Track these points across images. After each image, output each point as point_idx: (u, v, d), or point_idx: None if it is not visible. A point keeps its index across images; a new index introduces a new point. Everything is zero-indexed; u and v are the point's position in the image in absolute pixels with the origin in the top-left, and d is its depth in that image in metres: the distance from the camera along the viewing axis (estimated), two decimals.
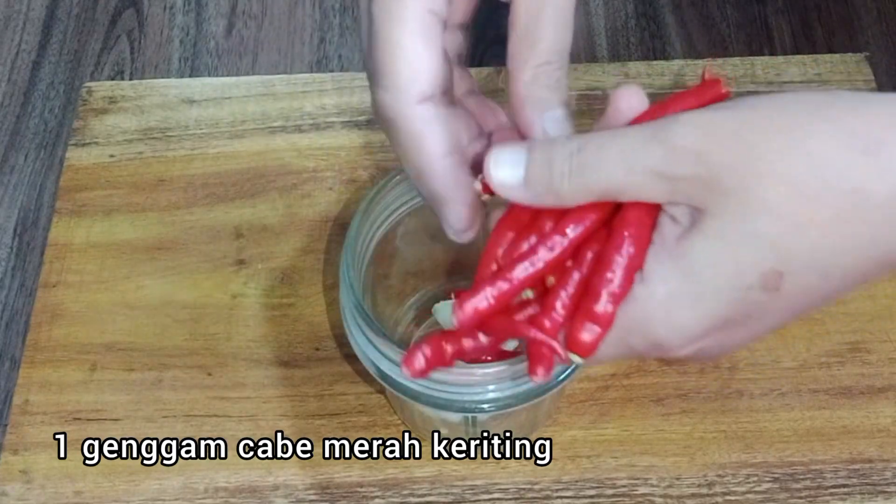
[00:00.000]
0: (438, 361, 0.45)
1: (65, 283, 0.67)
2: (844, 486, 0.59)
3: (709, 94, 0.43)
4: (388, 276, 0.61)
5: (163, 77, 0.79)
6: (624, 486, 0.59)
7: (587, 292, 0.41)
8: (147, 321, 0.66)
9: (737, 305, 0.40)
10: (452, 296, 0.64)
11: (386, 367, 0.52)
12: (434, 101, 0.43)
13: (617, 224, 0.41)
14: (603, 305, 0.41)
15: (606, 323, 0.41)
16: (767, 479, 0.59)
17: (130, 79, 0.80)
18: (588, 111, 0.72)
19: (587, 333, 0.41)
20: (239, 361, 0.64)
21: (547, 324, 0.42)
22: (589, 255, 0.42)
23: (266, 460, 0.60)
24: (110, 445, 0.61)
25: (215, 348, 0.64)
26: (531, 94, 0.44)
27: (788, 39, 0.82)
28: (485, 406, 0.52)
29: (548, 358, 0.42)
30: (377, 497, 0.59)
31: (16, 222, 0.73)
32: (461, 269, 0.64)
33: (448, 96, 0.45)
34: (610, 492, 0.59)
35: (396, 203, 0.57)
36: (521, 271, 0.42)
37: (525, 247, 0.43)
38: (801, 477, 0.59)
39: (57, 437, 0.61)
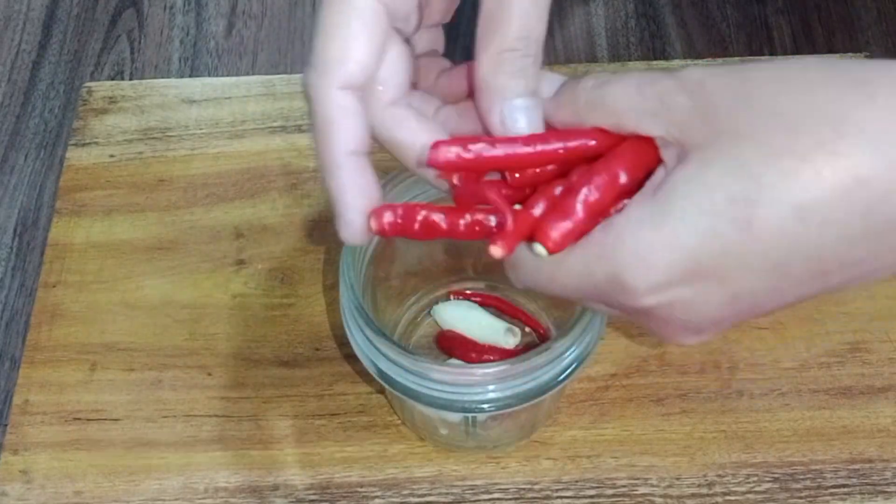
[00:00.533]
0: (407, 223, 0.42)
1: (65, 283, 0.67)
2: (844, 486, 0.59)
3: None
4: (388, 276, 0.61)
5: (163, 77, 0.79)
6: (624, 486, 0.59)
7: (567, 194, 0.40)
8: (147, 321, 0.66)
9: (703, 234, 0.38)
10: (451, 296, 0.65)
11: (386, 366, 0.52)
12: (357, 94, 0.42)
13: (614, 152, 0.41)
14: (580, 206, 0.40)
15: (579, 224, 0.40)
16: (767, 479, 0.59)
17: (130, 79, 0.80)
18: None
19: (557, 230, 0.40)
20: (239, 361, 0.64)
21: (517, 207, 0.41)
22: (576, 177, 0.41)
23: (266, 460, 0.60)
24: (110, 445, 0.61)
25: (215, 348, 0.64)
26: (490, 81, 0.42)
27: (788, 39, 0.82)
28: (485, 406, 0.52)
29: (510, 234, 0.40)
30: (377, 497, 0.59)
31: (16, 222, 0.73)
32: (461, 269, 0.64)
33: (394, 94, 0.44)
34: (610, 492, 0.59)
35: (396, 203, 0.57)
36: (508, 144, 0.41)
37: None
38: (801, 477, 0.59)
39: (57, 437, 0.61)
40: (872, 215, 0.36)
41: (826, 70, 0.38)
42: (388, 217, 0.42)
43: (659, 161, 0.40)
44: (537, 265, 0.41)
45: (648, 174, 0.41)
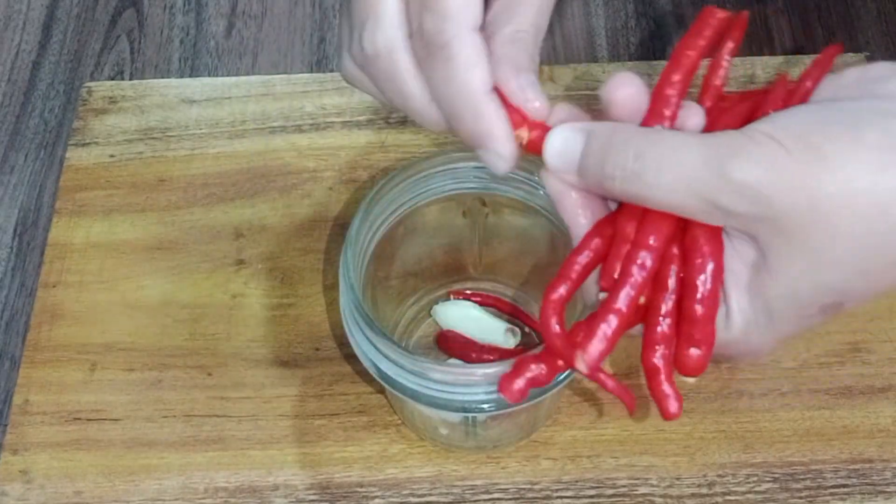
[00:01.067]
0: (536, 383, 0.44)
1: (65, 283, 0.67)
2: (844, 486, 0.59)
3: (709, 31, 0.43)
4: (388, 276, 0.61)
5: (163, 77, 0.79)
6: (624, 486, 0.59)
7: (683, 316, 0.42)
8: (147, 321, 0.66)
9: (798, 326, 0.42)
10: (451, 296, 0.65)
11: (386, 367, 0.52)
12: (478, 33, 0.43)
13: (690, 244, 0.41)
14: (702, 328, 0.41)
15: (709, 344, 0.42)
16: (767, 479, 0.59)
17: (130, 79, 0.80)
18: (587, 111, 0.72)
19: (693, 355, 0.42)
20: (239, 361, 0.64)
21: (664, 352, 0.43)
22: (671, 276, 0.42)
23: (266, 460, 0.60)
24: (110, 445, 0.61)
25: (215, 348, 0.64)
26: (508, 52, 0.44)
27: (788, 39, 0.82)
28: (485, 406, 0.52)
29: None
30: (377, 497, 0.59)
31: (16, 222, 0.73)
32: (461, 269, 0.64)
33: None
34: (610, 492, 0.59)
35: (396, 203, 0.57)
36: (624, 299, 0.41)
37: (616, 267, 0.42)
38: (801, 477, 0.59)
39: (57, 437, 0.61)
40: None
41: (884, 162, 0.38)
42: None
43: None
44: None
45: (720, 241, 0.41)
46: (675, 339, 0.42)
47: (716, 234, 0.40)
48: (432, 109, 0.45)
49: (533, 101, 0.44)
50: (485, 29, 0.44)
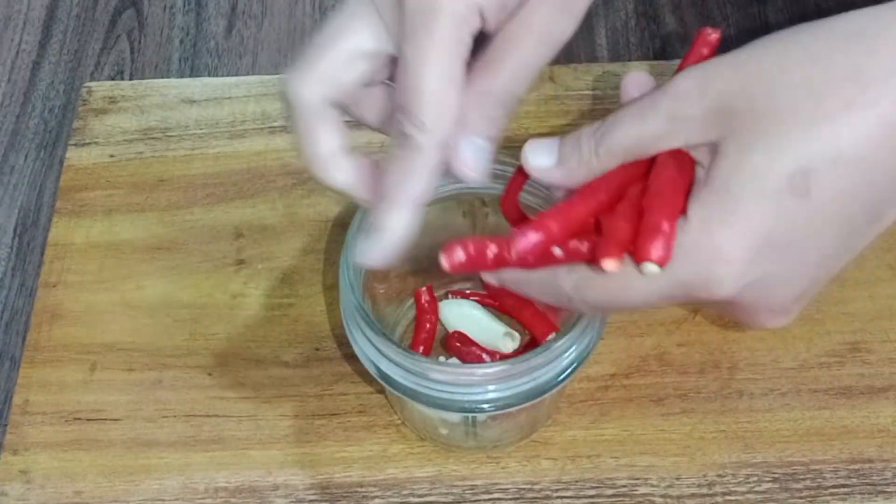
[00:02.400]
0: (479, 261, 0.44)
1: (65, 283, 0.67)
2: (844, 486, 0.59)
3: (706, 49, 0.45)
4: (387, 277, 0.61)
5: (163, 77, 0.79)
6: (624, 486, 0.59)
7: (644, 212, 0.42)
8: (147, 321, 0.66)
9: (771, 216, 0.40)
10: (450, 296, 0.65)
11: (386, 367, 0.52)
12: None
13: (657, 166, 0.43)
14: (665, 217, 0.41)
15: (670, 235, 0.41)
16: (767, 479, 0.59)
17: (130, 79, 0.80)
18: (588, 111, 0.72)
19: (656, 247, 0.41)
20: (239, 361, 0.64)
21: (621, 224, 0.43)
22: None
23: (266, 460, 0.60)
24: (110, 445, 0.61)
25: (215, 348, 0.64)
26: (469, 110, 0.45)
27: None
28: (485, 406, 0.52)
29: (615, 246, 0.42)
30: (377, 497, 0.59)
31: (16, 222, 0.73)
32: None
33: None
34: (610, 492, 0.59)
35: None
36: (567, 209, 0.44)
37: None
38: (801, 477, 0.59)
39: (57, 437, 0.61)
40: None
41: (819, 36, 0.40)
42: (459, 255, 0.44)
43: (693, 161, 0.42)
44: (609, 282, 0.43)
45: (692, 175, 0.42)
46: (637, 231, 0.42)
47: (679, 160, 0.42)
48: (327, 173, 0.47)
49: (463, 166, 0.45)
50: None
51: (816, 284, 0.43)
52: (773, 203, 0.40)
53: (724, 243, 0.40)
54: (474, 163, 0.45)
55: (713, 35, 0.45)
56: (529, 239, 0.43)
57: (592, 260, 0.43)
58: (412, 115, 0.44)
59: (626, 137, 0.43)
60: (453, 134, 0.44)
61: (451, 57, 0.43)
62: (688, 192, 0.42)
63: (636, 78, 0.46)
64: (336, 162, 0.47)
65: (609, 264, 0.41)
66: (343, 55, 0.46)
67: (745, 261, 0.40)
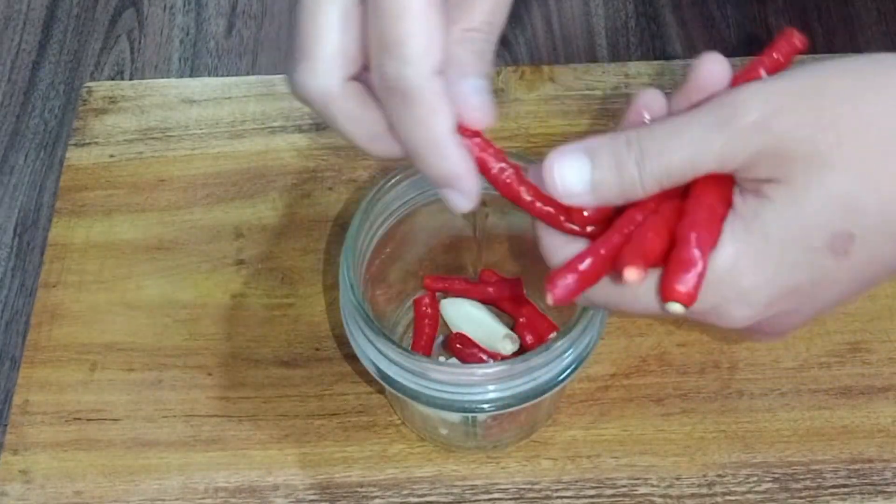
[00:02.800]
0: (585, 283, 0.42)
1: (65, 283, 0.67)
2: (844, 486, 0.59)
3: (783, 54, 0.43)
4: (387, 276, 0.61)
5: (163, 77, 0.79)
6: (624, 486, 0.59)
7: (678, 241, 0.40)
8: (147, 321, 0.66)
9: (803, 270, 0.39)
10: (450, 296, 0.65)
11: (386, 366, 0.52)
12: (441, 75, 0.42)
13: (696, 187, 0.41)
14: (696, 253, 0.39)
15: (701, 273, 0.40)
16: (767, 479, 0.59)
17: (130, 79, 0.80)
18: (587, 111, 0.72)
19: (684, 284, 0.39)
20: (239, 361, 0.64)
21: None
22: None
23: (266, 460, 0.60)
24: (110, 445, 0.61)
25: (215, 348, 0.64)
26: (455, 53, 0.42)
27: None
28: (485, 406, 0.52)
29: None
30: (377, 497, 0.59)
31: (16, 222, 0.73)
32: (461, 269, 0.64)
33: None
34: (610, 492, 0.59)
35: (396, 203, 0.57)
36: (608, 243, 0.42)
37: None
38: (801, 477, 0.59)
39: (57, 437, 0.61)
40: None
41: (871, 75, 0.38)
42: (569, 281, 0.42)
43: (732, 181, 0.41)
44: (624, 289, 0.41)
45: (730, 199, 0.41)
46: (668, 267, 0.40)
47: (720, 187, 0.40)
48: (378, 146, 0.44)
49: (473, 110, 0.42)
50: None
51: (818, 316, 0.43)
52: (809, 258, 0.39)
53: (750, 288, 0.40)
54: (479, 103, 0.43)
55: (798, 41, 0.43)
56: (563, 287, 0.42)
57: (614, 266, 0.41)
58: (398, 47, 0.40)
59: (675, 168, 0.40)
60: (444, 70, 0.41)
61: None
62: (724, 219, 0.40)
63: (650, 98, 0.43)
64: (447, 140, 0.43)
65: (631, 274, 0.39)
66: (338, 23, 0.42)
67: (766, 305, 0.40)
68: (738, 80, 0.43)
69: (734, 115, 0.39)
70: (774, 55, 0.43)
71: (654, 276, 0.41)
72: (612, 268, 0.41)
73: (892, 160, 0.37)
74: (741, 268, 0.39)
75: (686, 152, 0.40)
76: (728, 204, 0.41)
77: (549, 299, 0.41)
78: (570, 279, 0.41)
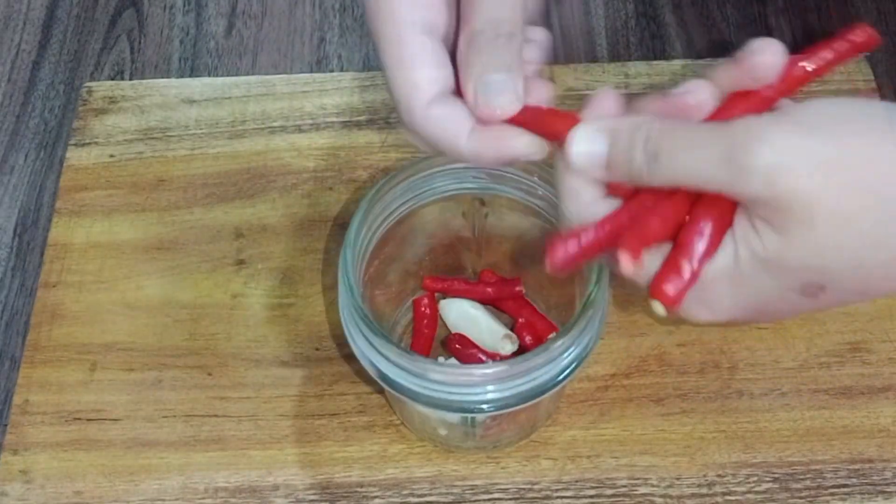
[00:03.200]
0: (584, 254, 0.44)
1: (65, 283, 0.67)
2: (844, 486, 0.59)
3: (834, 54, 0.44)
4: (387, 276, 0.61)
5: (163, 77, 0.79)
6: (624, 486, 0.59)
7: (679, 242, 0.43)
8: (147, 321, 0.66)
9: (772, 300, 0.42)
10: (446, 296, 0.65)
11: (385, 367, 0.52)
12: (439, 101, 0.45)
13: (706, 196, 0.43)
14: (695, 264, 0.42)
15: (690, 282, 0.42)
16: (767, 479, 0.59)
17: (130, 79, 0.80)
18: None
19: (673, 285, 0.42)
20: (239, 361, 0.64)
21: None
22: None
23: (266, 460, 0.60)
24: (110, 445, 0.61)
25: (215, 348, 0.64)
26: (462, 59, 0.45)
27: (788, 39, 0.82)
28: (484, 406, 0.52)
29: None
30: (377, 497, 0.59)
31: (16, 222, 0.73)
32: (461, 269, 0.64)
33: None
34: (610, 492, 0.59)
35: (396, 203, 0.57)
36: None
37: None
38: (801, 477, 0.59)
39: (57, 437, 0.61)
40: None
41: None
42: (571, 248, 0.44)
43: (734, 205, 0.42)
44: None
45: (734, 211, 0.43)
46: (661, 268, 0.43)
47: (723, 207, 0.42)
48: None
49: (484, 107, 0.45)
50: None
51: (750, 318, 0.45)
52: (780, 293, 0.42)
53: (718, 300, 0.43)
54: (500, 94, 0.45)
55: (863, 40, 0.44)
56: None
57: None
58: (394, 100, 0.45)
59: (680, 180, 0.42)
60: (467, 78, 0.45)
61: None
62: (725, 231, 0.42)
63: (604, 98, 0.46)
64: (469, 151, 0.46)
65: (625, 258, 0.42)
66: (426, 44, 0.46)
67: (728, 318, 0.44)
68: (791, 65, 0.44)
69: (744, 154, 0.40)
70: (836, 50, 0.44)
71: (657, 256, 0.43)
72: (614, 245, 0.43)
73: (881, 243, 0.40)
74: (719, 282, 0.42)
75: (693, 171, 0.42)
76: (732, 214, 0.42)
77: (547, 265, 0.43)
78: (570, 248, 0.43)
